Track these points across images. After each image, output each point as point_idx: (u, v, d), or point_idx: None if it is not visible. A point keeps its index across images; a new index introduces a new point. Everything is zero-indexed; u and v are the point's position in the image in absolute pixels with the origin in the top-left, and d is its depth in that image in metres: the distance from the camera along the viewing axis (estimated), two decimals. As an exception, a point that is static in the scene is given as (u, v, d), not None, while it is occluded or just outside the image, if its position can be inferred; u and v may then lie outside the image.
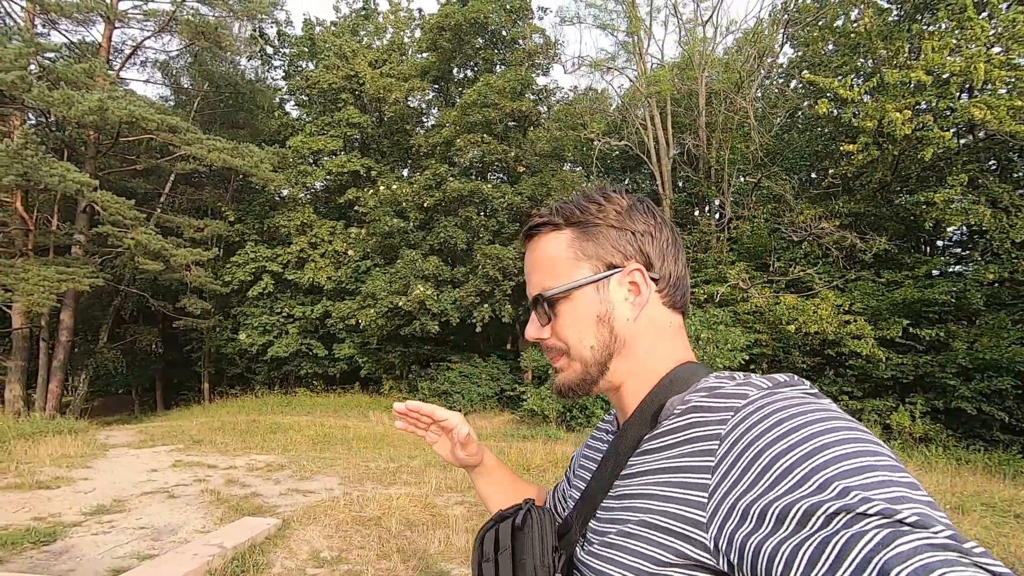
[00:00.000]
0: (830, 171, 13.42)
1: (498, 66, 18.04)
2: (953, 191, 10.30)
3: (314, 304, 18.32)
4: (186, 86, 20.51)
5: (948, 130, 10.40)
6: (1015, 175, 11.95)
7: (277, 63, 22.88)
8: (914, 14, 11.65)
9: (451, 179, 15.55)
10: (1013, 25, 9.64)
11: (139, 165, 16.44)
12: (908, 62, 10.88)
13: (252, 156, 15.14)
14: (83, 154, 15.16)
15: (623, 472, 0.63)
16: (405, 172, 21.55)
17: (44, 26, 15.22)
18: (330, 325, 17.54)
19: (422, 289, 14.55)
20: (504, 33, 17.63)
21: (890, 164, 11.81)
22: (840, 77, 11.99)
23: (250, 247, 18.38)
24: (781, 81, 17.41)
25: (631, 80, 16.54)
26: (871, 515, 0.39)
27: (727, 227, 14.36)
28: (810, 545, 0.40)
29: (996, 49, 10.05)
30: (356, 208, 18.19)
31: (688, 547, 0.51)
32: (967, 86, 10.60)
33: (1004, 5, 10.43)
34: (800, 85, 15.74)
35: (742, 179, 15.79)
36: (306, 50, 21.32)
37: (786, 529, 0.42)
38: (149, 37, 16.55)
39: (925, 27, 11.03)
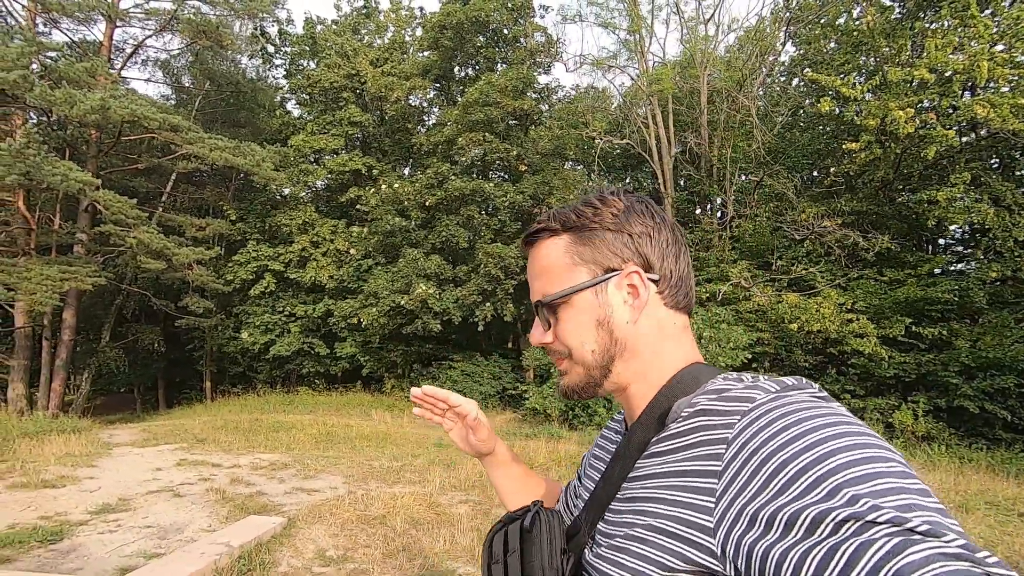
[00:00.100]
0: (832, 169, 13.41)
1: (500, 64, 18.03)
2: (956, 189, 10.28)
3: (316, 303, 18.33)
4: (187, 85, 20.50)
5: (951, 128, 10.38)
6: (1018, 173, 11.93)
7: (278, 62, 22.88)
8: (917, 12, 11.63)
9: (453, 178, 15.55)
10: (1016, 22, 9.62)
11: (141, 164, 16.44)
12: (911, 60, 10.86)
13: (254, 155, 15.15)
14: (85, 153, 15.17)
15: (631, 474, 0.63)
16: (407, 171, 21.55)
17: (45, 25, 15.22)
18: (332, 324, 17.55)
19: (424, 288, 14.55)
20: (506, 31, 17.61)
21: (892, 162, 11.79)
22: (842, 75, 11.98)
23: (252, 246, 18.39)
24: (783, 79, 17.39)
25: (633, 78, 16.52)
26: (881, 523, 0.38)
27: (729, 225, 14.35)
28: (818, 552, 0.39)
29: (999, 47, 10.03)
30: (358, 207, 18.20)
31: (695, 552, 0.51)
32: (970, 84, 10.58)
33: (1007, 2, 10.42)
34: (802, 83, 15.72)
35: (744, 177, 15.77)
36: (307, 49, 21.32)
37: (794, 535, 0.42)
38: (150, 36, 16.55)
39: (928, 25, 11.01)
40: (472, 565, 3.95)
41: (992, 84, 10.08)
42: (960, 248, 13.61)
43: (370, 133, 20.51)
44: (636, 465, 0.62)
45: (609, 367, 0.65)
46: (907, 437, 9.65)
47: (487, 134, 15.70)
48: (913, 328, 10.49)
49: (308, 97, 20.60)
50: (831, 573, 0.38)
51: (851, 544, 0.38)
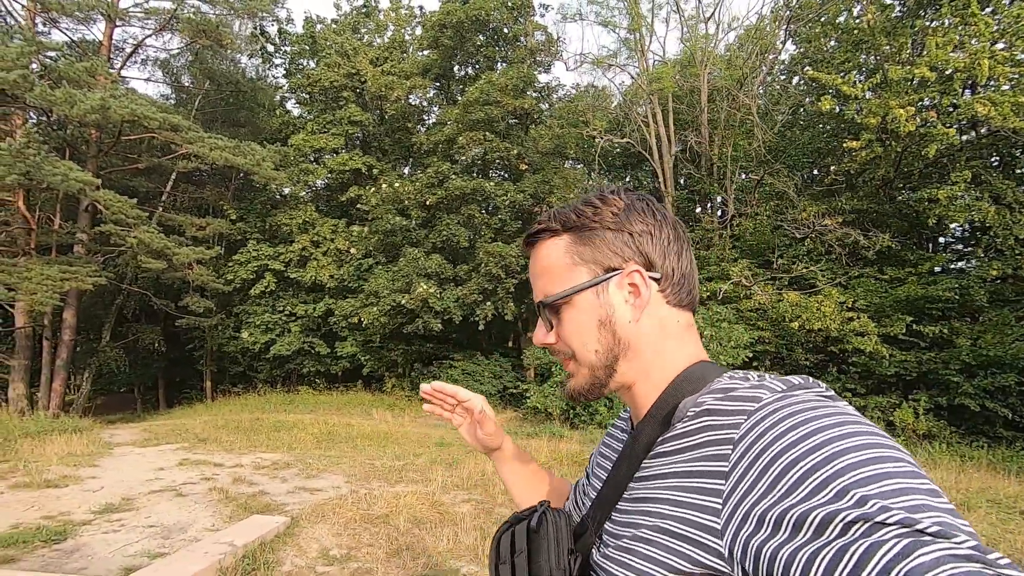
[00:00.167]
0: (833, 168, 13.42)
1: (500, 63, 18.02)
2: (956, 187, 10.29)
3: (316, 302, 18.34)
4: (187, 84, 20.49)
5: (951, 126, 10.39)
6: (1018, 171, 11.94)
7: (278, 61, 22.86)
8: (917, 10, 11.63)
9: (453, 177, 15.55)
10: (1017, 20, 9.63)
11: (141, 164, 16.43)
12: (912, 58, 10.86)
13: (254, 154, 15.14)
14: (85, 153, 15.15)
15: (637, 474, 0.63)
16: (407, 170, 21.55)
17: (45, 25, 15.19)
18: (332, 323, 17.56)
19: (425, 287, 14.56)
20: (506, 30, 17.60)
21: (893, 161, 11.80)
22: (843, 73, 11.98)
23: (252, 245, 18.38)
24: (783, 78, 17.39)
25: (633, 77, 16.53)
26: (890, 524, 0.38)
27: (730, 224, 14.36)
28: (827, 553, 0.39)
29: (1000, 45, 10.03)
30: (358, 206, 18.20)
31: (702, 554, 0.51)
32: (971, 82, 10.59)
33: (1008, 0, 10.42)
34: (802, 82, 15.73)
35: (744, 176, 15.78)
36: (307, 48, 21.30)
37: (803, 537, 0.41)
38: (150, 35, 16.53)
39: (928, 23, 11.01)
40: (476, 564, 3.95)
41: (993, 82, 10.08)
42: (961, 246, 13.63)
43: (370, 132, 20.50)
44: (643, 465, 0.62)
45: (613, 367, 0.65)
46: (908, 435, 9.67)
47: (487, 133, 15.70)
48: (914, 326, 10.50)
49: (308, 96, 20.58)
50: (840, 575, 0.38)
51: (860, 545, 0.37)
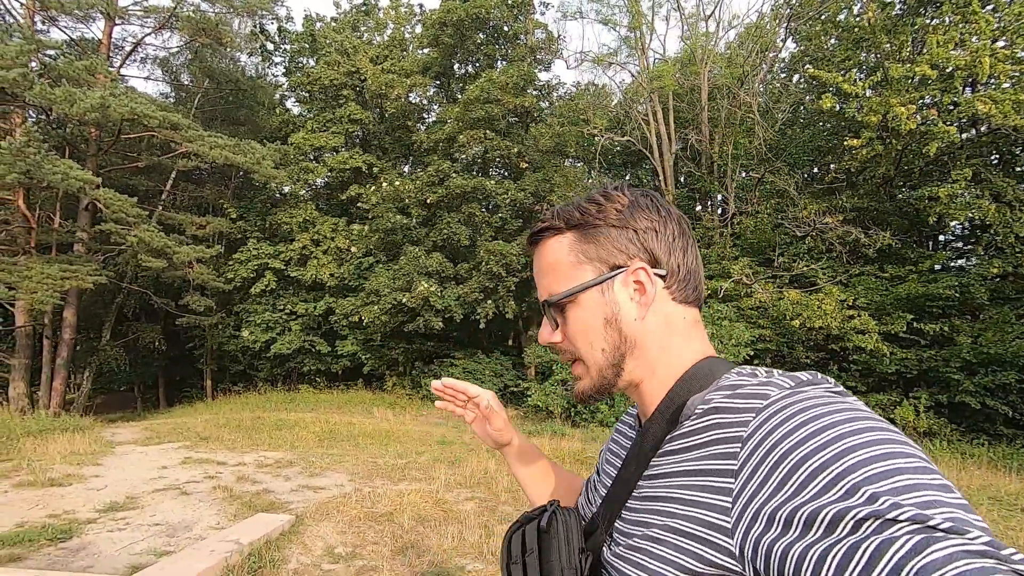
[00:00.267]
0: (833, 166, 13.46)
1: (500, 62, 18.00)
2: (957, 185, 10.31)
3: (317, 301, 18.33)
4: (187, 83, 20.45)
5: (952, 124, 10.40)
6: (1018, 169, 11.96)
7: (278, 59, 22.80)
8: (918, 8, 11.63)
9: (453, 175, 15.54)
10: (1018, 18, 9.64)
11: (140, 162, 16.41)
12: (912, 56, 10.87)
13: (253, 153, 15.12)
14: (84, 152, 15.13)
15: (646, 473, 0.62)
16: (407, 168, 21.53)
17: (44, 23, 15.16)
18: (333, 322, 17.55)
19: (426, 286, 14.56)
20: (506, 28, 17.58)
21: (894, 159, 11.82)
22: (843, 72, 11.99)
23: (252, 244, 18.36)
24: (784, 76, 17.39)
25: (633, 75, 16.53)
26: (902, 521, 0.37)
27: (730, 222, 14.37)
28: (839, 551, 0.38)
29: (1000, 43, 10.05)
30: (358, 205, 18.18)
31: (714, 553, 0.51)
32: (971, 80, 10.60)
33: (1008, -2, 10.43)
34: (803, 80, 15.73)
35: (745, 174, 15.79)
36: (307, 46, 21.25)
37: (814, 534, 0.41)
38: (149, 34, 16.51)
39: (929, 21, 11.01)
40: (480, 561, 3.96)
41: (993, 80, 10.09)
42: (961, 244, 13.65)
43: (370, 131, 20.48)
44: (651, 463, 0.62)
45: (620, 365, 0.65)
46: (909, 433, 9.69)
47: (488, 131, 15.69)
48: (914, 324, 10.53)
49: (308, 95, 20.55)
50: (852, 572, 0.37)
51: (872, 542, 0.37)
